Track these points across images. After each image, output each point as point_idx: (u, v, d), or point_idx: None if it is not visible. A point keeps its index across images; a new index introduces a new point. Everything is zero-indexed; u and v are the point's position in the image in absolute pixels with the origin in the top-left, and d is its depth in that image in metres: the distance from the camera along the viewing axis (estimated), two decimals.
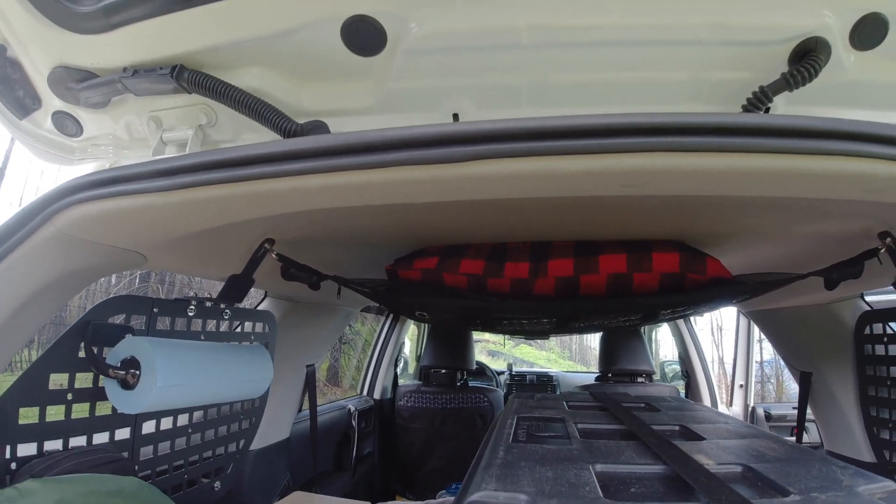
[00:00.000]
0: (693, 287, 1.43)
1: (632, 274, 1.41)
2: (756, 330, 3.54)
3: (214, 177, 0.86)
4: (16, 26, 1.08)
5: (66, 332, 1.20)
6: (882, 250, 1.19)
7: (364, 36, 1.00)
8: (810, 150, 0.77)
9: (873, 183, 0.83)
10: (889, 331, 1.60)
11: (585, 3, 0.94)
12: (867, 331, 1.68)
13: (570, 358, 17.10)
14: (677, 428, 1.24)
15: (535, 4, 0.94)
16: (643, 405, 1.59)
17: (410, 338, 4.69)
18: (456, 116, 1.12)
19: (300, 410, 2.34)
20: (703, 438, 1.11)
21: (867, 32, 0.98)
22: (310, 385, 2.25)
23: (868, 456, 1.69)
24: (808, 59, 0.98)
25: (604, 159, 0.76)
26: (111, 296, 1.34)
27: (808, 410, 2.06)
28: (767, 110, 1.02)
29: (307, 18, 0.97)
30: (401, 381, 3.75)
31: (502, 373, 5.63)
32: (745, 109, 0.99)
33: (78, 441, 1.22)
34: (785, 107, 1.08)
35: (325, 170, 0.81)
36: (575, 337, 14.38)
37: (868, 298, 1.77)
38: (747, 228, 1.36)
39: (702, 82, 1.06)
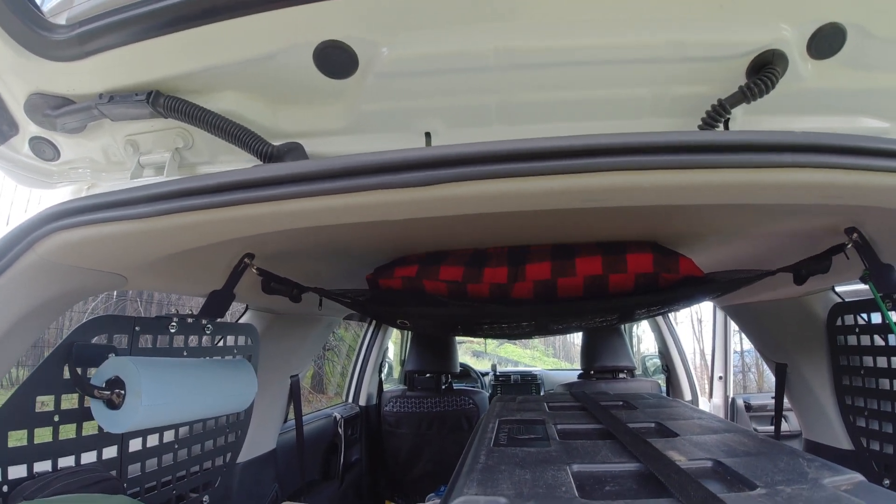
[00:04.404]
0: (667, 286, 1.47)
1: (607, 275, 1.45)
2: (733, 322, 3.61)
3: (194, 203, 0.88)
4: None
5: (51, 354, 1.20)
6: (849, 245, 1.22)
7: (336, 60, 1.02)
8: (763, 164, 0.80)
9: (829, 191, 0.87)
10: (860, 321, 1.64)
11: (548, 27, 0.97)
12: (839, 322, 1.72)
13: (555, 355, 17.18)
14: (653, 425, 1.29)
15: (500, 29, 0.97)
16: (621, 403, 1.64)
17: (394, 342, 4.69)
18: (428, 136, 1.15)
19: (286, 421, 2.35)
20: (676, 435, 1.15)
21: (825, 42, 1.01)
22: (294, 395, 2.25)
23: (846, 443, 1.72)
24: (765, 71, 1.01)
25: (565, 179, 0.79)
26: (89, 314, 1.35)
27: (787, 400, 2.10)
28: (727, 122, 1.05)
29: (280, 45, 1.00)
30: (386, 387, 3.77)
31: (486, 374, 5.64)
32: (705, 122, 1.03)
33: (67, 461, 1.22)
34: (744, 117, 1.11)
35: (302, 195, 0.83)
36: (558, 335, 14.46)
37: (839, 289, 1.81)
38: (718, 228, 1.40)
39: (662, 97, 1.09)
